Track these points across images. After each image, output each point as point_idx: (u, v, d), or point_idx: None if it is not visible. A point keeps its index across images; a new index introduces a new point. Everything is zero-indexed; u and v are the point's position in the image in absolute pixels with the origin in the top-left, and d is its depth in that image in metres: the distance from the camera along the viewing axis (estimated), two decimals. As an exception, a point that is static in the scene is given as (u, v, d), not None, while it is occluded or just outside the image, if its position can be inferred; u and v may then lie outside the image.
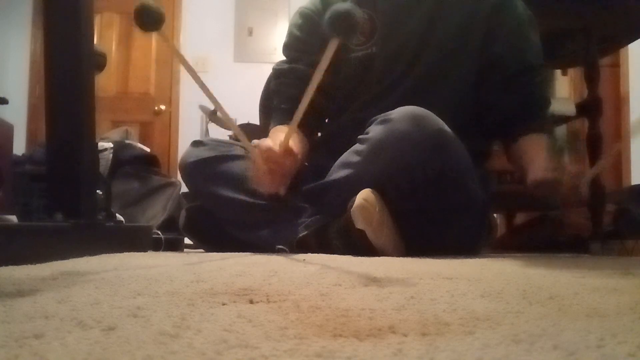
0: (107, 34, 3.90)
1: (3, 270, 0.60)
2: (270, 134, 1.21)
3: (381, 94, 1.23)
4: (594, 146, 1.61)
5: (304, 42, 1.29)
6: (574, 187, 1.01)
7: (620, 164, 3.51)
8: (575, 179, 1.01)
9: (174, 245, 1.63)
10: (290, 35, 1.32)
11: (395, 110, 1.01)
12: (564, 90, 3.52)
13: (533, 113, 1.21)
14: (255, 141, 1.08)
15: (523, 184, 1.15)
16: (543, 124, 1.21)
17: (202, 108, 3.20)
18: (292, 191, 1.18)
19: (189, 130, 3.67)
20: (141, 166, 1.98)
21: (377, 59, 1.24)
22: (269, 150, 0.96)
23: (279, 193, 1.04)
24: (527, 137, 1.18)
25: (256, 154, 0.98)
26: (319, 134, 1.48)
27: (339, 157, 1.11)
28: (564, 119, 1.88)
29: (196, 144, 1.27)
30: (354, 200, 0.95)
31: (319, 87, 1.27)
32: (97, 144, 1.19)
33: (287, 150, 0.98)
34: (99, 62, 1.06)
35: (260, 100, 1.89)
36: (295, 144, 1.09)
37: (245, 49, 3.95)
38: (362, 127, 1.08)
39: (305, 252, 1.05)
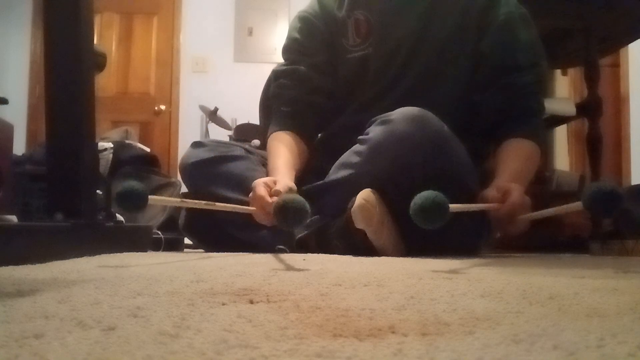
0: (107, 34, 3.90)
1: (3, 270, 0.60)
2: (268, 169, 1.17)
3: (379, 95, 1.23)
4: (594, 146, 1.61)
5: (303, 45, 1.30)
6: (508, 217, 0.94)
7: (620, 164, 3.51)
8: (512, 210, 0.93)
9: (174, 245, 1.63)
10: (290, 38, 1.33)
11: (396, 111, 1.01)
12: (564, 90, 3.52)
13: (516, 117, 1.16)
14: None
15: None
16: (525, 129, 1.15)
17: (202, 108, 3.20)
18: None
19: (189, 130, 3.68)
20: (141, 166, 1.98)
21: (373, 59, 1.24)
22: (261, 199, 0.97)
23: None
24: (507, 142, 1.13)
25: (251, 202, 0.99)
26: (319, 135, 1.48)
27: (338, 157, 1.11)
28: (564, 119, 1.88)
29: (196, 144, 1.27)
30: (354, 200, 0.95)
31: (320, 86, 1.28)
32: (97, 144, 1.20)
33: (277, 194, 0.97)
34: (99, 62, 1.06)
35: (261, 100, 1.89)
36: (285, 165, 1.12)
37: (245, 49, 3.95)
38: (361, 127, 1.08)
39: (305, 252, 1.05)
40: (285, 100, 1.28)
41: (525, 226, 0.98)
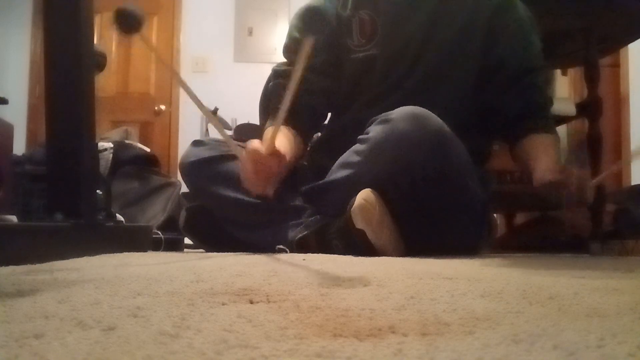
0: (107, 34, 3.90)
1: (3, 270, 0.60)
2: (264, 135, 1.21)
3: (382, 95, 1.23)
4: (594, 146, 1.61)
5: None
6: (580, 190, 1.00)
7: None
8: (581, 181, 1.00)
9: (174, 245, 1.63)
10: (290, 37, 1.32)
11: (395, 110, 1.01)
12: (564, 90, 3.52)
13: (535, 114, 1.21)
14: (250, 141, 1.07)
15: (528, 183, 1.13)
16: (545, 124, 1.21)
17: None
18: (291, 191, 1.18)
19: (189, 130, 3.68)
20: (141, 166, 1.98)
21: (378, 60, 1.24)
22: (255, 151, 0.94)
23: (267, 194, 1.01)
24: (531, 136, 1.18)
25: (243, 155, 0.96)
26: (320, 134, 1.48)
27: (339, 157, 1.11)
28: (564, 119, 1.88)
29: (196, 143, 1.27)
30: (354, 200, 0.95)
31: (317, 88, 1.28)
32: (97, 144, 1.20)
33: (273, 152, 0.94)
34: (99, 62, 1.06)
35: (261, 100, 1.89)
36: (283, 144, 1.07)
37: (245, 49, 3.95)
38: (362, 127, 1.08)
39: (305, 252, 1.05)
40: (281, 99, 1.28)
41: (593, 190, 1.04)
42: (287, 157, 1.01)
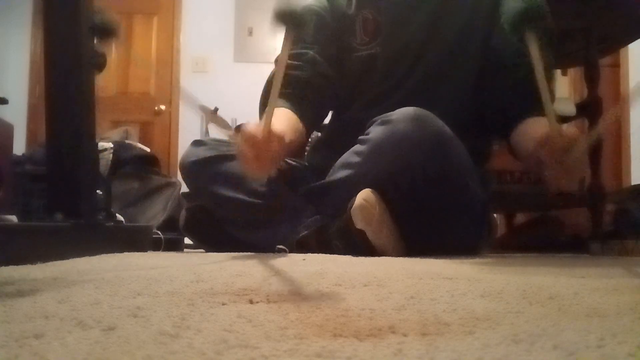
0: (107, 34, 3.90)
1: (3, 270, 0.60)
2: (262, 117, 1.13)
3: (384, 94, 1.23)
4: (594, 146, 1.61)
5: (311, 35, 1.27)
6: (577, 148, 0.85)
7: (620, 164, 3.51)
8: (577, 140, 0.85)
9: (174, 245, 1.63)
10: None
11: (396, 111, 1.01)
12: (564, 90, 3.52)
13: (531, 102, 1.15)
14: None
15: (528, 182, 1.03)
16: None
17: (202, 108, 3.21)
18: (291, 191, 1.18)
19: (189, 130, 3.68)
20: (141, 166, 1.98)
21: (380, 59, 1.24)
22: (252, 136, 0.87)
23: (269, 176, 0.95)
24: (527, 119, 1.09)
25: (240, 141, 0.88)
26: (320, 134, 1.48)
27: (339, 157, 1.11)
28: (564, 119, 1.88)
29: (196, 143, 1.27)
30: (354, 200, 0.95)
31: (326, 75, 1.25)
32: (97, 144, 1.20)
33: (270, 135, 0.87)
34: (99, 62, 1.06)
35: (261, 100, 1.89)
36: (280, 124, 0.99)
37: (245, 49, 3.95)
38: (362, 127, 1.08)
39: (305, 252, 1.05)
40: (289, 80, 1.19)
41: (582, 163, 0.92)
42: (286, 137, 0.93)
